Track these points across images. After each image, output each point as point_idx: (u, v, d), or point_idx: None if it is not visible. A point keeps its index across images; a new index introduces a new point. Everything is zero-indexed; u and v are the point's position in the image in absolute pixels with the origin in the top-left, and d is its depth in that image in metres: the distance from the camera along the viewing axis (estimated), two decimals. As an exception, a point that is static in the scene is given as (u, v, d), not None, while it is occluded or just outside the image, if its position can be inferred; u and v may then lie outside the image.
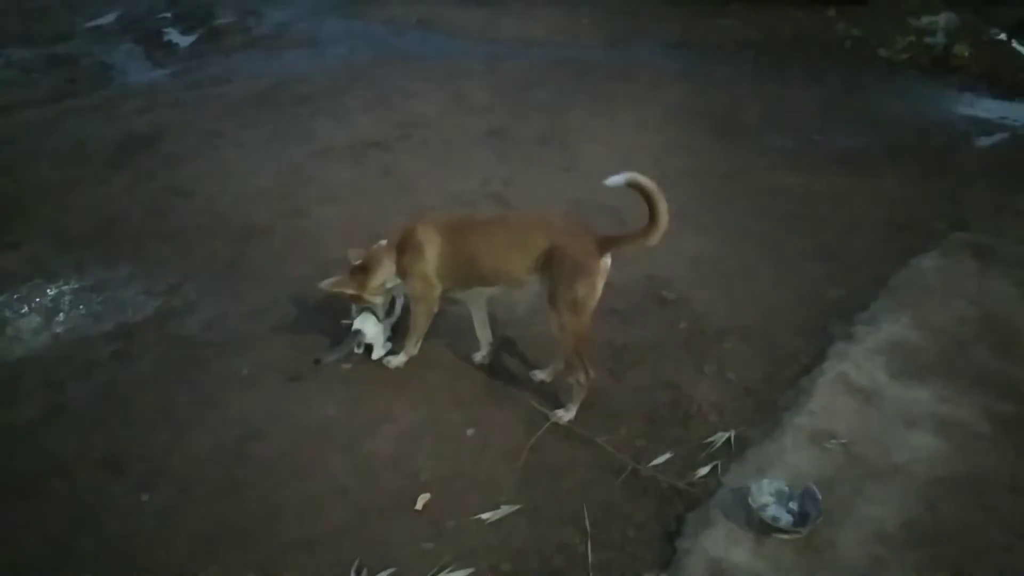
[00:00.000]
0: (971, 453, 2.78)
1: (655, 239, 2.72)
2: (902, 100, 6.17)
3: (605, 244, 2.85)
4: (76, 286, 4.20)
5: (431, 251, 3.11)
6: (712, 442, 2.92)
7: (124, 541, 2.65)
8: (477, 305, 3.38)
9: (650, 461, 2.85)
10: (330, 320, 3.73)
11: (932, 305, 3.58)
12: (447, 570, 2.44)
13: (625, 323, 3.67)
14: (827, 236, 4.26)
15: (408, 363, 3.42)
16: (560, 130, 5.77)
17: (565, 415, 3.07)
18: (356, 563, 2.46)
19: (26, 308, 4.04)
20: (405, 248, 3.17)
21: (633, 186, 2.68)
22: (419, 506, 2.72)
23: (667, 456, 2.87)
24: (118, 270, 4.32)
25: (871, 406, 3.00)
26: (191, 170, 5.39)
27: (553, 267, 2.87)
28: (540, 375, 3.32)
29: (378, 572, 2.44)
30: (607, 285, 3.84)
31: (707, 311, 3.69)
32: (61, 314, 3.98)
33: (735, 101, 6.15)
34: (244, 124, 6.10)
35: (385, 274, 3.26)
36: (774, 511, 2.54)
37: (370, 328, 3.41)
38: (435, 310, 3.27)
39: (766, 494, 2.58)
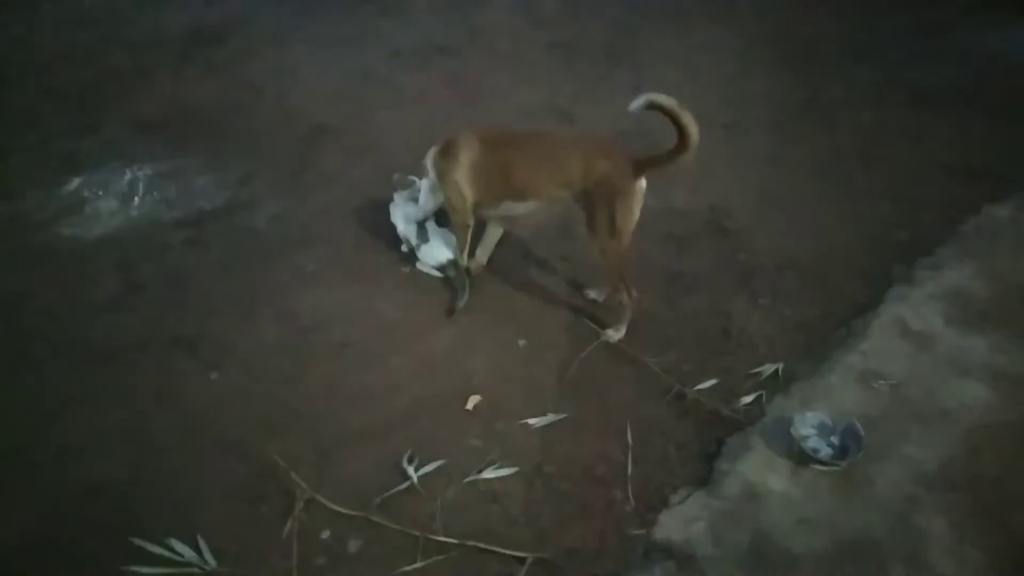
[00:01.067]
0: (1021, 404, 2.74)
1: (689, 155, 2.70)
2: (996, 37, 5.77)
3: (641, 166, 2.84)
4: (150, 172, 4.33)
5: (466, 158, 3.09)
6: (759, 372, 2.94)
7: (194, 413, 2.83)
8: (496, 223, 3.37)
9: (696, 385, 2.89)
10: (391, 223, 3.79)
11: (999, 256, 3.47)
12: (493, 466, 2.56)
13: (682, 249, 3.65)
14: (898, 176, 4.11)
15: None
16: (630, 48, 5.58)
17: (615, 334, 3.11)
18: (408, 453, 2.59)
19: (103, 191, 4.19)
20: (445, 154, 3.17)
21: (654, 107, 2.64)
22: (469, 406, 2.82)
23: (713, 382, 2.90)
24: (190, 159, 4.42)
25: (924, 351, 2.96)
26: (261, 66, 5.41)
27: (589, 189, 2.87)
28: (592, 294, 3.35)
29: (428, 463, 2.56)
30: (666, 210, 3.86)
31: (767, 244, 3.64)
32: (136, 198, 4.12)
33: (817, 28, 5.83)
34: (313, 23, 6.05)
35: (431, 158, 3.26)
36: (815, 442, 2.57)
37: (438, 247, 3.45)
38: (469, 223, 3.25)
39: (808, 426, 2.61)
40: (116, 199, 4.11)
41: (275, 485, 2.52)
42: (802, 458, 2.52)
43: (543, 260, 3.61)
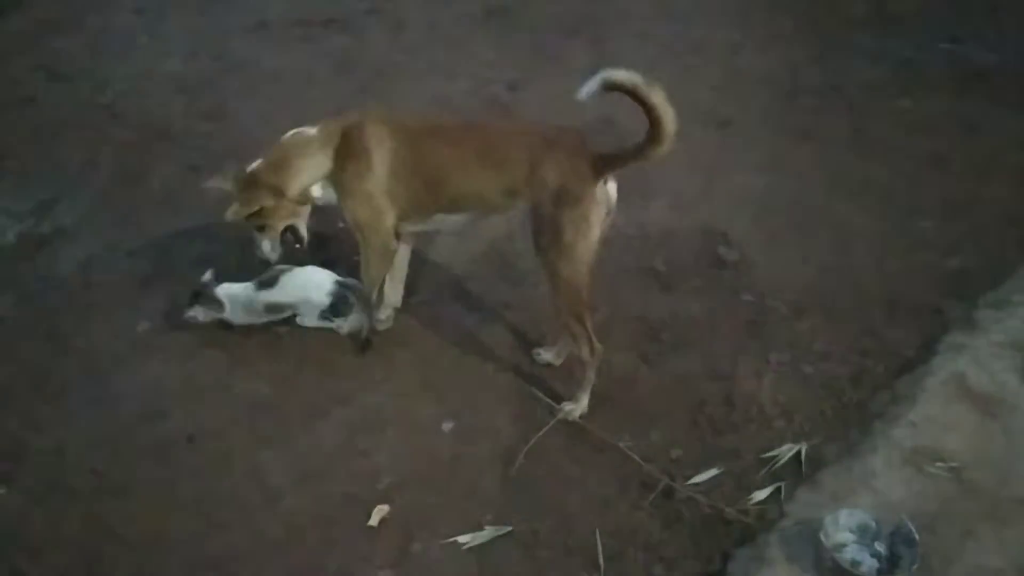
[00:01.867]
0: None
1: (665, 146, 2.72)
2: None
3: (604, 164, 2.86)
4: (-95, 197, 4.21)
5: (381, 161, 3.08)
6: (775, 457, 2.98)
7: None
8: (406, 241, 3.41)
9: (690, 478, 2.91)
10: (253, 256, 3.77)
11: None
12: (410, 608, 2.53)
13: (666, 290, 3.72)
14: (948, 183, 4.29)
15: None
16: (589, 16, 5.75)
17: (574, 409, 3.13)
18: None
19: None
20: (347, 153, 3.13)
21: (613, 88, 2.66)
22: (374, 521, 2.79)
23: (713, 472, 2.93)
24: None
25: (994, 419, 3.05)
26: (73, 43, 5.38)
27: (535, 194, 2.91)
28: (545, 355, 3.37)
29: (315, 607, 2.52)
30: (642, 236, 3.94)
31: (779, 279, 3.73)
32: None
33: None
34: (148, -18, 6.06)
35: (314, 172, 3.20)
36: (854, 552, 2.60)
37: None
38: (393, 248, 3.27)
39: (844, 530, 2.64)
40: None
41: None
42: (838, 574, 2.55)
43: (478, 305, 3.63)
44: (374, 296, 3.39)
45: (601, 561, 2.66)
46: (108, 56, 5.29)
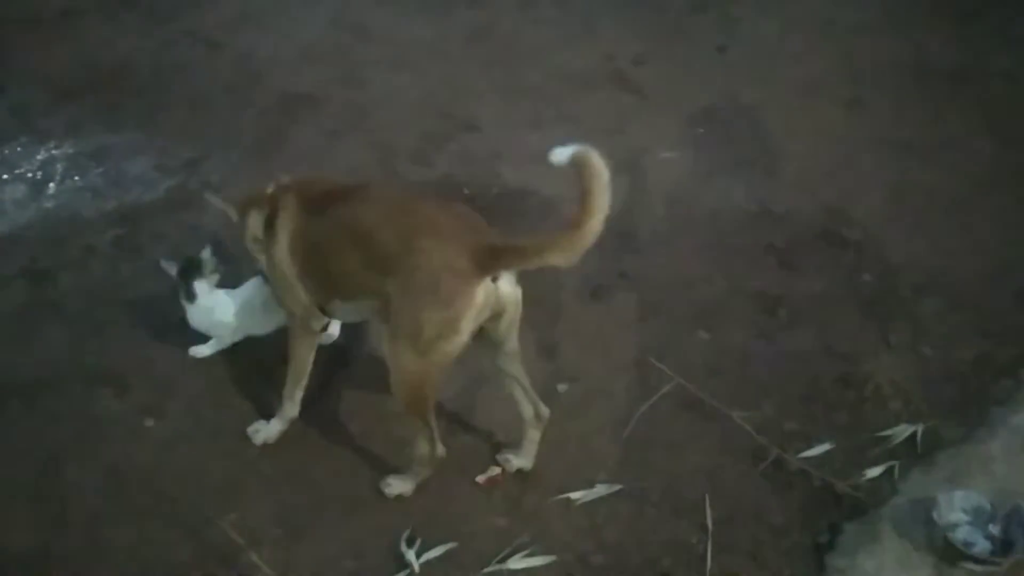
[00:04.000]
0: None
1: (572, 254, 2.33)
2: None
3: (494, 258, 2.42)
4: (71, 151, 4.47)
5: (284, 228, 2.78)
6: (890, 436, 2.95)
7: (122, 471, 2.91)
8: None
9: (802, 451, 2.91)
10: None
11: None
12: (521, 554, 2.59)
13: (784, 267, 3.70)
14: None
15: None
16: (719, -8, 5.68)
17: (392, 487, 2.81)
18: (407, 532, 2.64)
19: (8, 174, 4.34)
20: (263, 216, 2.87)
21: (577, 165, 2.30)
22: (481, 479, 2.87)
23: (826, 447, 2.92)
24: (123, 134, 4.57)
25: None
26: (222, 13, 5.57)
27: (402, 282, 2.47)
28: (515, 461, 2.93)
29: (434, 546, 2.61)
30: (763, 213, 3.92)
31: (903, 260, 3.67)
32: (52, 184, 4.26)
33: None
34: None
35: (254, 230, 2.93)
36: (967, 533, 2.57)
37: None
38: (312, 327, 2.91)
39: (958, 510, 2.60)
40: (25, 185, 4.25)
41: (228, 570, 2.58)
42: (949, 553, 2.52)
43: (598, 274, 3.65)
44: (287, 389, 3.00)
45: (710, 523, 2.69)
46: (253, 25, 5.47)
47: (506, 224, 3.90)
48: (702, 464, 2.90)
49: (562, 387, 3.19)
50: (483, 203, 4.07)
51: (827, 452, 2.91)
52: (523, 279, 3.50)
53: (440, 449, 2.70)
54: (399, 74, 4.99)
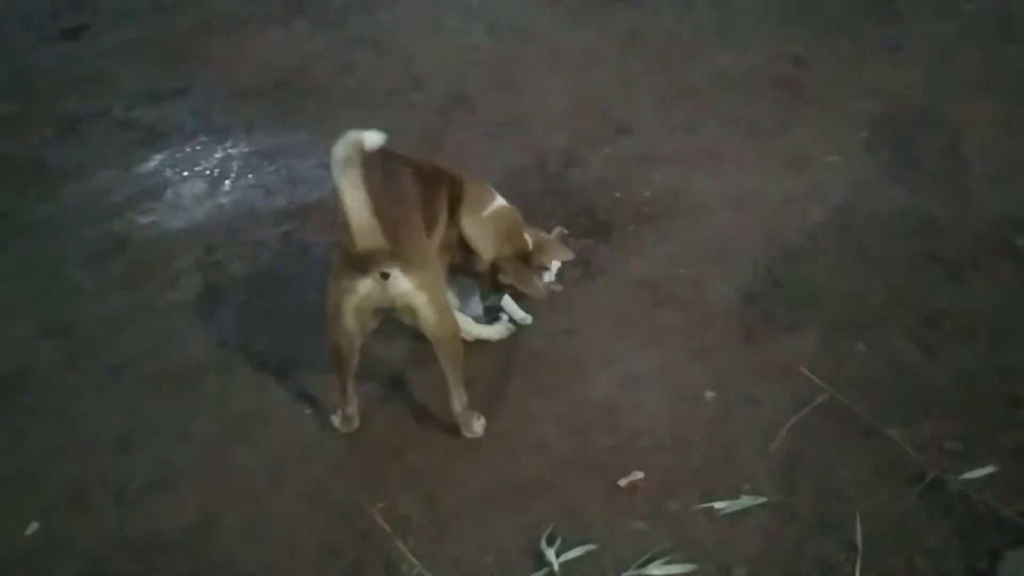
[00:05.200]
0: None
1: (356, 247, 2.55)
2: None
3: (367, 261, 2.60)
4: (246, 149, 4.74)
5: None
6: (1062, 461, 2.76)
7: (283, 454, 3.04)
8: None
9: (963, 472, 2.75)
10: (543, 225, 3.92)
11: None
12: (661, 560, 2.56)
13: (952, 278, 3.51)
14: None
15: (636, 292, 3.57)
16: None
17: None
18: (549, 530, 2.65)
19: (188, 171, 4.64)
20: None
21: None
22: (622, 483, 2.84)
23: (990, 469, 2.74)
24: (294, 134, 4.81)
25: None
26: (388, 19, 5.80)
27: None
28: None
29: (574, 546, 2.61)
30: (928, 223, 3.74)
31: (1088, 277, 3.44)
32: (227, 181, 4.53)
33: None
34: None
35: None
36: None
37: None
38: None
39: None
40: (204, 182, 4.54)
41: (376, 555, 2.67)
42: (1125, 591, 2.35)
43: (749, 280, 3.60)
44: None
45: (859, 542, 2.57)
46: (417, 30, 5.65)
47: (657, 230, 3.90)
48: (853, 481, 2.77)
49: (709, 394, 3.14)
50: (634, 206, 4.07)
51: (991, 475, 2.73)
52: (672, 283, 3.54)
53: (348, 410, 3.03)
54: (556, 77, 5.05)
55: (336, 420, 3.10)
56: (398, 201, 2.75)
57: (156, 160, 4.72)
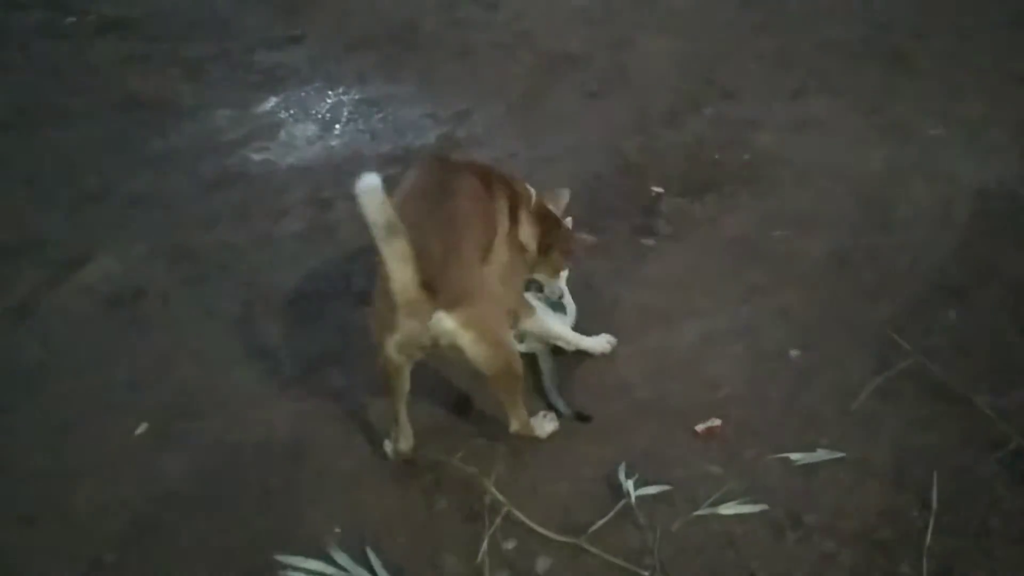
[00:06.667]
0: None
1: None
2: None
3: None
4: (356, 97, 4.90)
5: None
6: None
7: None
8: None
9: (1048, 443, 2.73)
10: (639, 183, 3.98)
11: None
12: (735, 501, 2.61)
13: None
14: None
15: (727, 250, 3.59)
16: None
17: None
18: (624, 466, 2.73)
19: (301, 114, 4.81)
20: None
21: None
22: (700, 428, 2.89)
23: (1076, 441, 2.73)
24: (402, 85, 4.95)
25: None
26: (499, -27, 5.85)
27: None
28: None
29: (649, 484, 2.68)
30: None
31: None
32: (338, 125, 4.69)
33: None
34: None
35: None
36: None
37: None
38: None
39: None
40: (315, 124, 4.71)
41: (467, 495, 2.74)
42: None
43: (844, 245, 3.60)
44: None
45: (934, 501, 2.58)
46: (529, -13, 5.72)
47: (754, 192, 3.91)
48: (934, 444, 2.77)
49: (794, 352, 3.15)
50: (731, 168, 4.08)
51: (1077, 447, 2.72)
52: (764, 244, 3.55)
53: (401, 444, 2.82)
54: (665, 38, 5.07)
55: (388, 448, 2.88)
56: (449, 229, 2.53)
57: (272, 102, 4.92)
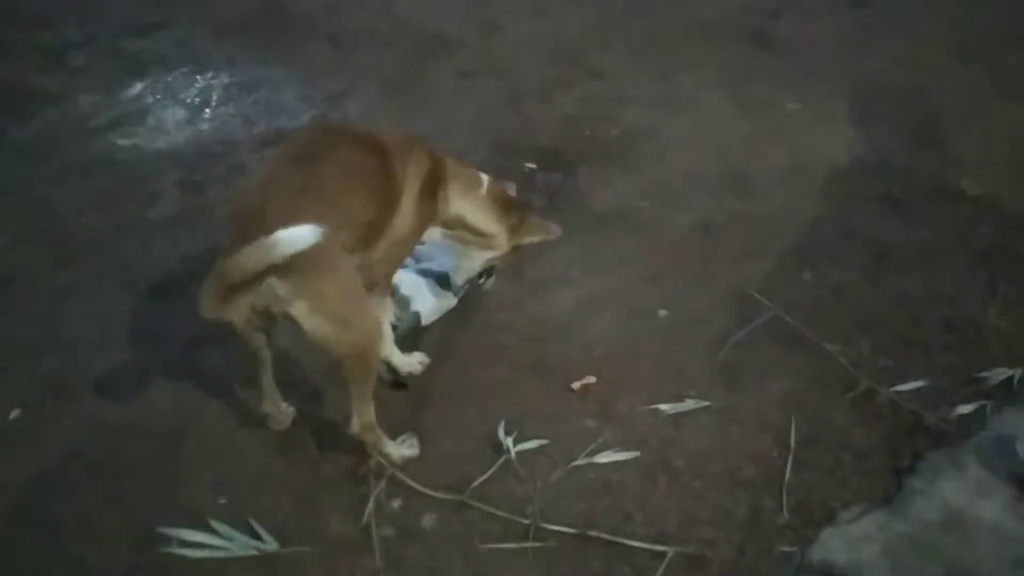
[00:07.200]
0: None
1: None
2: None
3: None
4: (227, 80, 4.87)
5: None
6: (987, 378, 2.95)
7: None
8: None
9: (895, 385, 2.95)
10: (513, 161, 4.09)
11: None
12: (609, 450, 2.76)
13: (899, 216, 3.73)
14: None
15: (599, 222, 3.74)
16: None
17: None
18: (503, 424, 2.84)
19: (170, 99, 4.76)
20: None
21: None
22: (575, 386, 3.03)
23: (920, 384, 2.94)
24: (273, 68, 4.95)
25: None
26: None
27: None
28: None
29: (529, 439, 2.80)
30: (882, 164, 3.94)
31: (1022, 218, 3.63)
32: (208, 110, 4.66)
33: None
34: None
35: None
36: (1050, 469, 2.60)
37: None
38: None
39: (1044, 446, 2.63)
40: (185, 109, 4.67)
41: (337, 444, 2.82)
42: (1030, 486, 2.56)
43: (706, 213, 3.79)
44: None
45: (792, 442, 2.78)
46: (402, -28, 5.79)
47: (623, 166, 4.09)
48: (792, 391, 2.97)
49: (663, 313, 3.32)
50: (601, 144, 4.25)
51: (920, 388, 2.93)
52: (634, 214, 3.71)
53: (265, 406, 2.83)
54: (536, 22, 5.21)
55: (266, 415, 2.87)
56: (298, 194, 2.37)
57: (138, 87, 4.84)
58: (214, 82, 4.88)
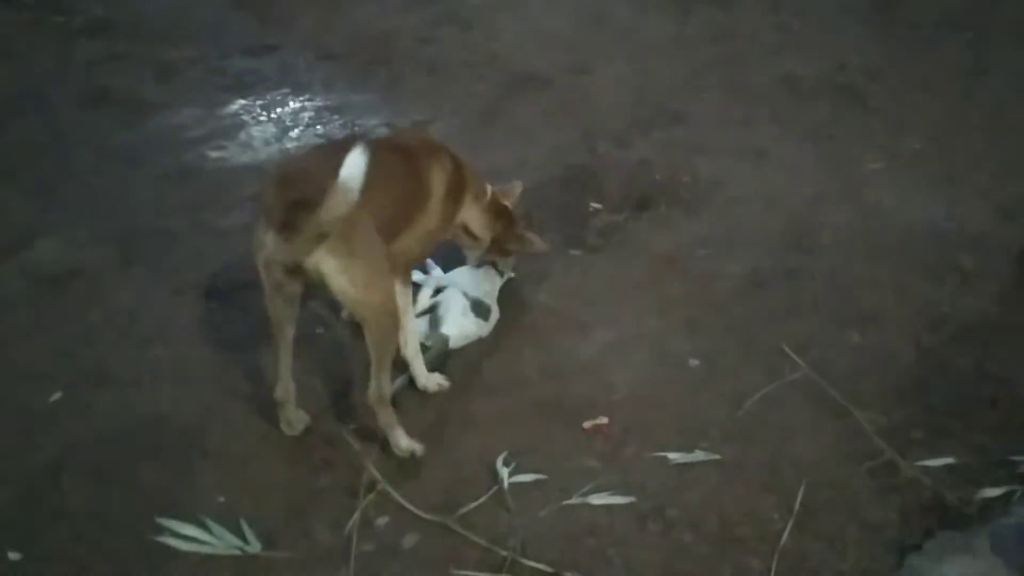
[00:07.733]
0: None
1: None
2: None
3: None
4: (320, 103, 5.11)
5: None
6: (1021, 462, 2.80)
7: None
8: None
9: (921, 460, 2.83)
10: (579, 199, 4.14)
11: None
12: (605, 492, 2.73)
13: (965, 287, 3.59)
14: None
15: (651, 265, 3.74)
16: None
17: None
18: (504, 454, 2.85)
19: (264, 117, 5.02)
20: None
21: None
22: (587, 425, 3.02)
23: (948, 460, 2.81)
24: (366, 94, 5.16)
25: None
26: (478, 1, 6.07)
27: None
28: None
29: (527, 472, 2.80)
30: (955, 231, 3.78)
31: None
32: (296, 130, 4.88)
33: None
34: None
35: None
36: (1069, 565, 2.43)
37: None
38: None
39: (1067, 541, 2.47)
40: (275, 127, 4.91)
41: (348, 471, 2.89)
42: (1045, 581, 2.41)
43: (758, 266, 3.73)
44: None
45: (799, 503, 2.70)
46: (507, 10, 5.94)
47: (687, 213, 4.07)
48: (809, 453, 2.88)
49: (694, 362, 3.28)
50: (671, 189, 4.24)
51: (948, 466, 2.80)
52: (688, 262, 3.68)
53: (278, 392, 2.93)
54: (625, 65, 5.27)
55: (282, 422, 3.01)
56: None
57: (237, 105, 5.12)
58: (308, 104, 5.11)
